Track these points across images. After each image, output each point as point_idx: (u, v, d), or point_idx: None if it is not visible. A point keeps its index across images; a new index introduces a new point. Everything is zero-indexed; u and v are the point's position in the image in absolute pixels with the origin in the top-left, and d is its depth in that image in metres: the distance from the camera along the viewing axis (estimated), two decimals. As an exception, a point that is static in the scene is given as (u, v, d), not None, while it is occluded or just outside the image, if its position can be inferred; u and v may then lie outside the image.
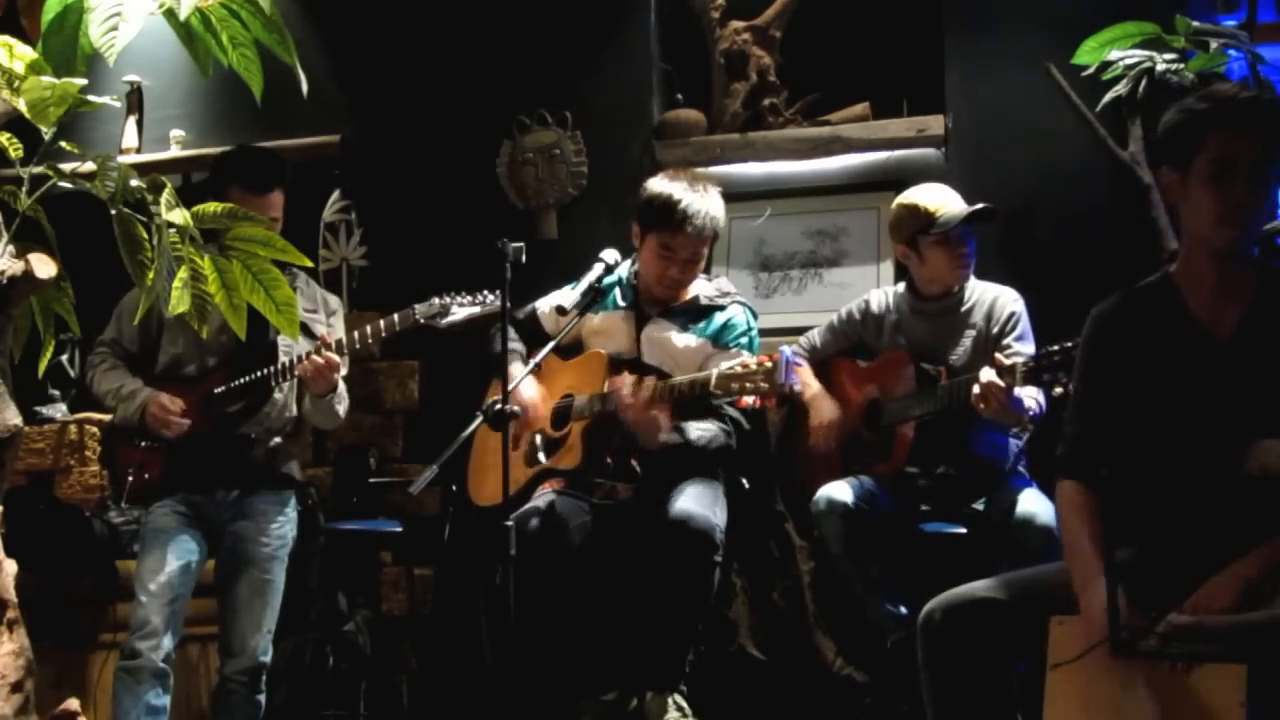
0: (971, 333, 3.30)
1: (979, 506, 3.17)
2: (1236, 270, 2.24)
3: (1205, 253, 2.25)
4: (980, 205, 3.29)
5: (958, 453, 3.23)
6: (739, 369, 2.94)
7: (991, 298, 3.32)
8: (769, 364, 2.89)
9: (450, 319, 3.23)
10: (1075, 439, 2.35)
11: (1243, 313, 2.21)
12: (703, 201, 3.25)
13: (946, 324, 3.33)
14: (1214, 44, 3.28)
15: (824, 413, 3.41)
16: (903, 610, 3.14)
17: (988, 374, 2.92)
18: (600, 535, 3.22)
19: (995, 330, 3.25)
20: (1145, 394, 2.26)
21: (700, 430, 3.22)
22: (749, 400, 2.96)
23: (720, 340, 3.32)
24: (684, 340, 3.33)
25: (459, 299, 3.24)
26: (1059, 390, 2.76)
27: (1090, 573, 2.14)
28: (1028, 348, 3.19)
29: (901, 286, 3.46)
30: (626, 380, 3.09)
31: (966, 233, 3.30)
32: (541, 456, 3.35)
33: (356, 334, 3.29)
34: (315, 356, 3.19)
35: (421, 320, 3.24)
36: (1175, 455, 2.21)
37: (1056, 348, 2.76)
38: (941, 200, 3.31)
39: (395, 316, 3.27)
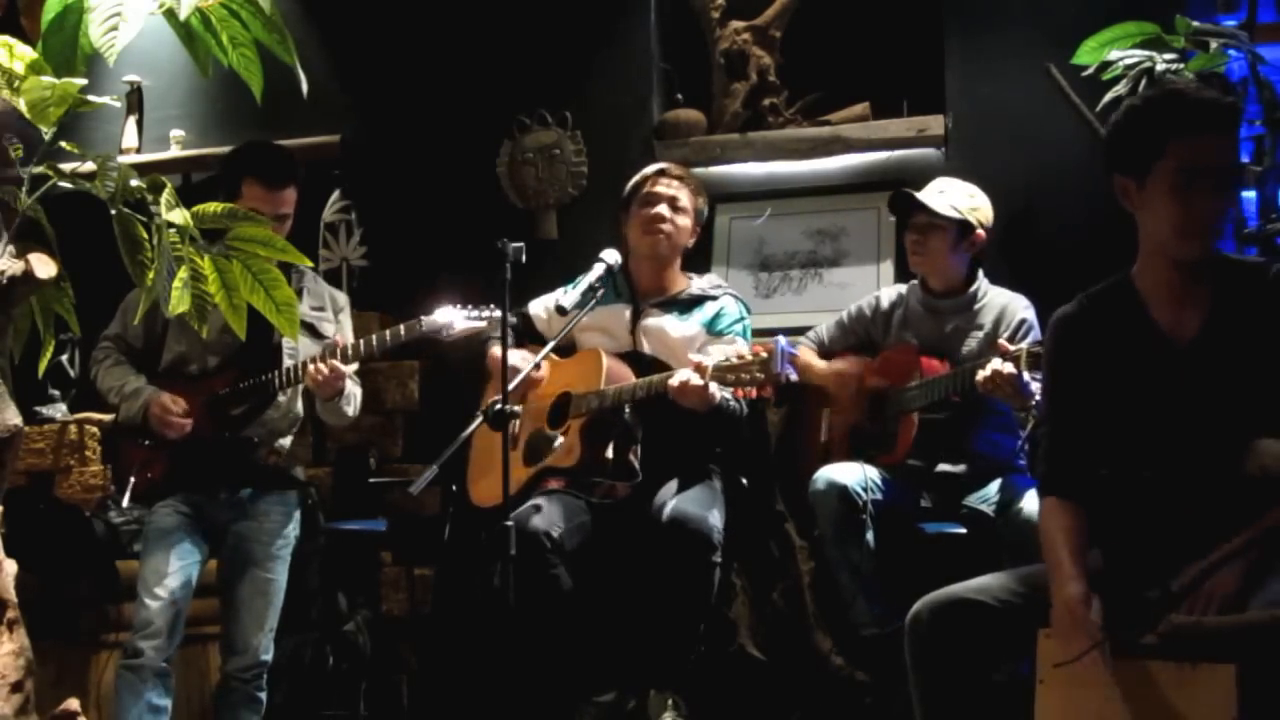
0: (979, 334, 3.30)
1: (980, 506, 3.17)
2: (1197, 273, 2.21)
3: (1165, 260, 2.21)
4: (903, 190, 3.37)
5: (960, 449, 3.23)
6: (734, 360, 2.97)
7: (1003, 303, 3.32)
8: (764, 354, 2.91)
9: (456, 333, 3.23)
10: (1049, 455, 2.34)
11: (1204, 318, 2.19)
12: (671, 164, 3.55)
13: (955, 322, 3.34)
14: (1214, 44, 3.28)
15: (841, 376, 3.43)
16: (880, 609, 3.14)
17: (993, 364, 2.93)
18: (599, 535, 3.23)
19: (1005, 335, 3.24)
20: (1110, 404, 2.25)
21: (726, 394, 3.21)
22: (744, 391, 3.00)
23: (714, 328, 3.38)
24: (680, 330, 3.36)
25: (464, 312, 3.22)
26: None
27: (1065, 576, 2.15)
28: None
29: (915, 284, 3.47)
30: (685, 374, 3.06)
31: (932, 225, 3.32)
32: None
33: (362, 343, 3.28)
34: (320, 365, 3.20)
35: (427, 332, 3.24)
36: (1145, 465, 2.20)
37: None
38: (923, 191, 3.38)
39: (401, 327, 3.25)
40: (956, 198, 3.33)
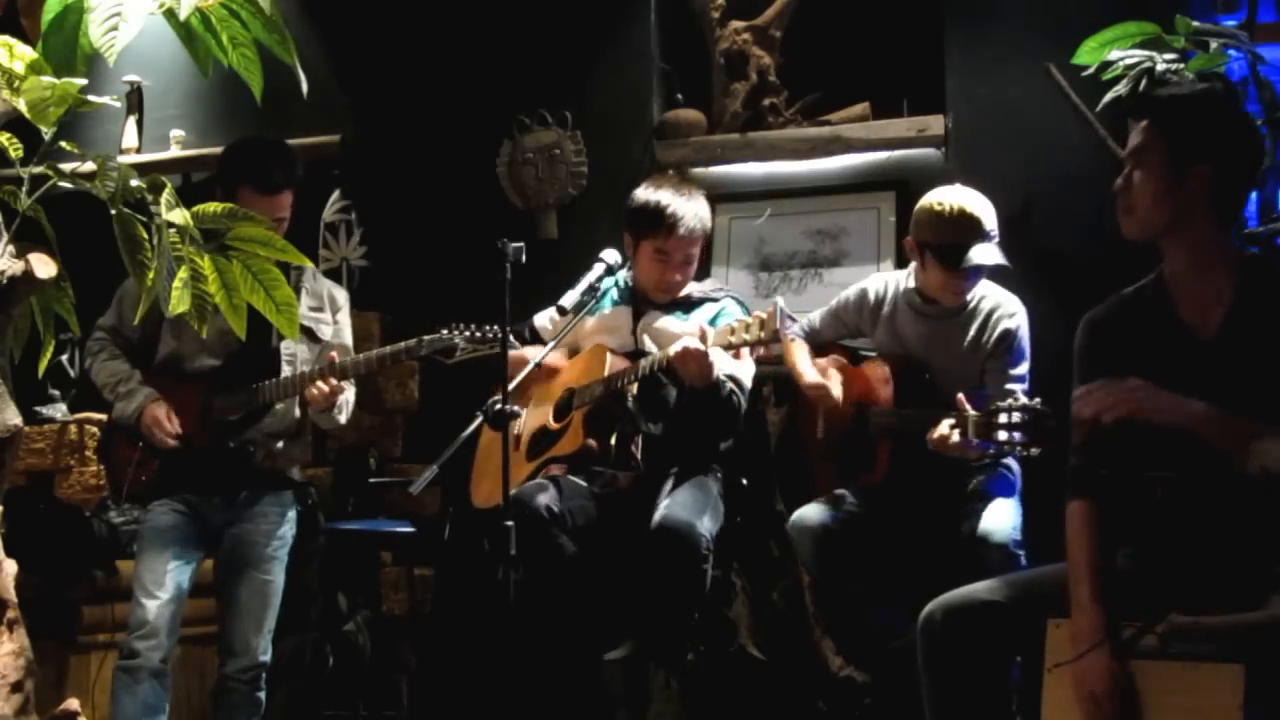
0: (965, 340, 3.22)
1: (955, 525, 3.10)
2: (1218, 266, 2.23)
3: (1168, 250, 2.28)
4: (997, 263, 3.12)
5: (936, 461, 3.08)
6: (735, 324, 2.99)
7: (990, 307, 3.22)
8: (763, 316, 2.92)
9: (459, 357, 3.18)
10: (1079, 455, 2.33)
11: (1227, 311, 2.21)
12: (689, 204, 3.34)
13: (943, 328, 3.27)
14: (1214, 44, 3.27)
15: (831, 395, 3.31)
16: (893, 619, 3.13)
17: (944, 428, 2.86)
18: (600, 521, 3.25)
19: (987, 346, 3.18)
20: None
21: (724, 377, 3.21)
22: (747, 352, 3.02)
23: (714, 326, 3.35)
24: (681, 328, 3.36)
25: (466, 335, 3.16)
26: (1013, 451, 2.73)
27: (1084, 598, 2.16)
28: (1019, 369, 3.15)
29: (906, 279, 3.35)
30: (686, 341, 3.07)
31: (977, 270, 3.17)
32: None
33: (363, 358, 3.27)
34: (320, 384, 3.17)
35: (427, 353, 3.21)
36: (1171, 459, 2.21)
37: (1007, 404, 2.68)
38: (968, 229, 3.11)
39: (403, 345, 3.22)
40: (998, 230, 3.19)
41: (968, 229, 3.12)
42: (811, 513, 3.18)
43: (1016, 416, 2.65)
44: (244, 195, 3.19)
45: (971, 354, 3.20)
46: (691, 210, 3.32)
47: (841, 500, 3.20)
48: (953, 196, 3.17)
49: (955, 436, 2.84)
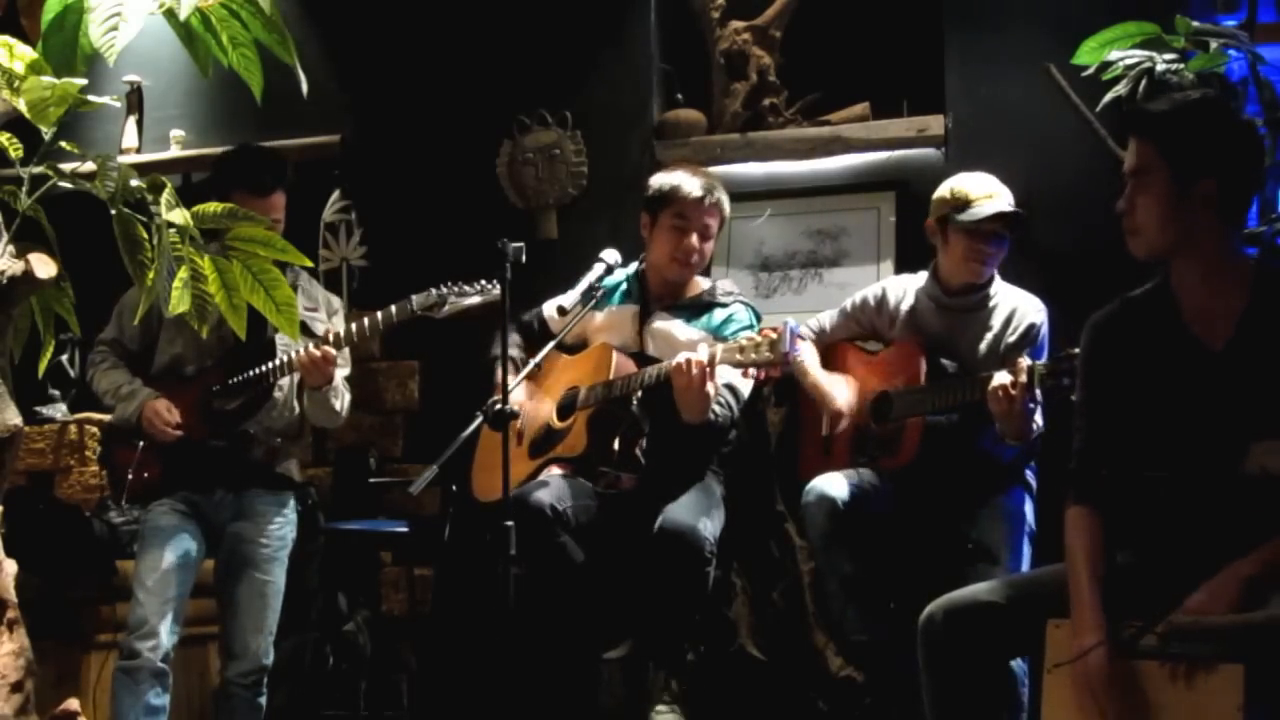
0: (988, 335, 3.24)
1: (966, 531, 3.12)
2: (1228, 274, 2.21)
3: (1176, 264, 2.25)
4: (1010, 209, 3.20)
5: (965, 452, 3.17)
6: (744, 342, 2.98)
7: (1014, 304, 3.26)
8: (773, 335, 2.91)
9: (448, 310, 3.21)
10: (1080, 460, 2.32)
11: (1236, 321, 2.18)
12: (708, 180, 3.43)
13: (964, 321, 3.28)
14: (1214, 44, 3.27)
15: (836, 396, 3.32)
16: (870, 616, 3.13)
17: (1003, 377, 2.89)
18: (603, 521, 3.24)
19: (1012, 339, 3.20)
20: (1142, 406, 2.24)
21: (717, 407, 3.22)
22: (754, 373, 3.02)
23: (721, 334, 3.35)
24: (687, 334, 3.36)
25: (456, 289, 3.19)
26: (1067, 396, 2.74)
27: (1083, 607, 2.15)
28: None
29: (924, 277, 3.38)
30: (686, 357, 3.06)
31: (997, 234, 3.23)
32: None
33: (354, 327, 3.28)
34: (311, 349, 3.19)
35: (418, 311, 3.22)
36: (1173, 465, 2.20)
37: (1077, 350, 2.72)
38: (985, 191, 3.24)
39: (393, 308, 3.24)
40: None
41: (991, 190, 3.24)
42: (830, 485, 3.16)
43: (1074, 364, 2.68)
44: (238, 199, 3.18)
45: (994, 347, 3.21)
46: (710, 183, 3.41)
47: (862, 478, 3.20)
48: (971, 176, 3.31)
49: (1015, 391, 2.86)
